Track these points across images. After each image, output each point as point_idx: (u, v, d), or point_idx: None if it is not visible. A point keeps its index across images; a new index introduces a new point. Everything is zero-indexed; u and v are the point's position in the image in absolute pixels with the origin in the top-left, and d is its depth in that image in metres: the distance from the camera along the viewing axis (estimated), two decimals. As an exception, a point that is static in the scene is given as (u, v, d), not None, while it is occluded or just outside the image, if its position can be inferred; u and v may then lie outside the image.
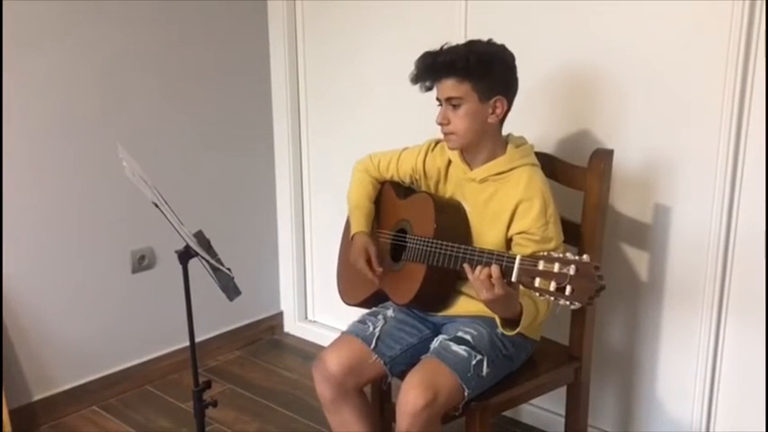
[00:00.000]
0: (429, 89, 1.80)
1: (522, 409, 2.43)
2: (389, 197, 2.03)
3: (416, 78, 1.78)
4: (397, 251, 1.91)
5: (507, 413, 2.38)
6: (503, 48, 1.77)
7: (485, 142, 1.80)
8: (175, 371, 2.78)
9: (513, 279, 1.54)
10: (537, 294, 1.51)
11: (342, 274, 2.14)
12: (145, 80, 2.59)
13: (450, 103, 1.75)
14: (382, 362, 1.83)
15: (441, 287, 1.85)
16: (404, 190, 2.01)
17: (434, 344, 1.80)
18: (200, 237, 1.76)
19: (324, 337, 2.84)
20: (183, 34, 2.67)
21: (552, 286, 1.46)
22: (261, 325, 3.13)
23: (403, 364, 1.84)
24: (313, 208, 3.04)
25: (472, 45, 1.76)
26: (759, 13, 1.79)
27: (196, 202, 2.74)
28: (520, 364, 1.87)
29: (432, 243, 1.75)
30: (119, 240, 2.60)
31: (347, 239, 2.10)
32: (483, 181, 1.81)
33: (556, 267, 1.45)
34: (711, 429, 2.08)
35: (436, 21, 2.39)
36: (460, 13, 2.32)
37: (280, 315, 3.20)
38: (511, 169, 1.79)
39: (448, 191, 1.91)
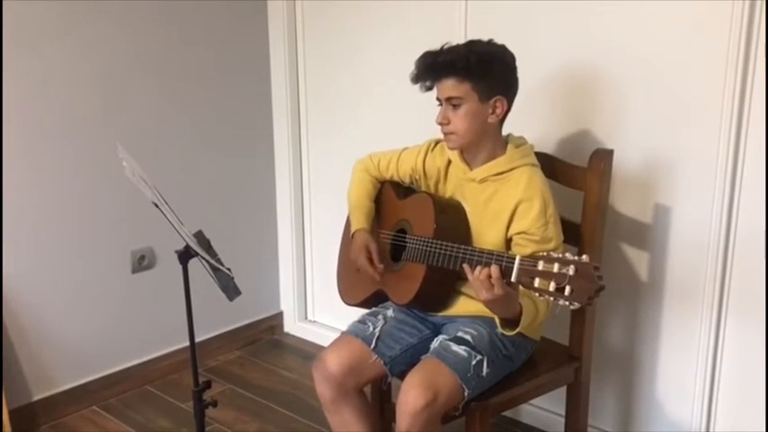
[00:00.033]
0: (429, 89, 1.80)
1: (522, 409, 2.43)
2: (389, 197, 2.03)
3: (417, 78, 1.78)
4: (396, 251, 1.91)
5: (507, 413, 2.38)
6: (503, 48, 1.77)
7: (485, 142, 1.80)
8: (175, 371, 2.78)
9: (513, 279, 1.54)
10: (536, 294, 1.51)
11: (342, 274, 2.14)
12: (145, 80, 2.59)
13: (450, 102, 1.75)
14: (382, 362, 1.83)
15: (440, 287, 1.85)
16: (404, 190, 2.01)
17: (434, 344, 1.80)
18: (200, 237, 1.76)
19: (324, 337, 2.84)
20: (183, 34, 2.67)
21: (552, 286, 1.46)
22: (261, 325, 3.13)
23: (403, 364, 1.84)
24: (313, 208, 3.04)
25: (472, 45, 1.76)
26: (759, 13, 1.79)
27: (196, 202, 2.74)
28: (520, 364, 1.87)
29: (431, 243, 1.75)
30: (119, 240, 2.60)
31: (347, 239, 2.10)
32: (483, 181, 1.81)
33: (555, 267, 1.45)
34: (711, 429, 2.08)
35: (436, 21, 2.39)
36: (460, 13, 2.32)
37: (280, 315, 3.20)
38: (511, 169, 1.79)
39: (448, 191, 1.91)
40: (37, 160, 2.37)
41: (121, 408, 2.60)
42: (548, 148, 2.12)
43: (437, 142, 1.94)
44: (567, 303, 1.45)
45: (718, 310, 1.99)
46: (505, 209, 1.77)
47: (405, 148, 2.01)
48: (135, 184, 1.67)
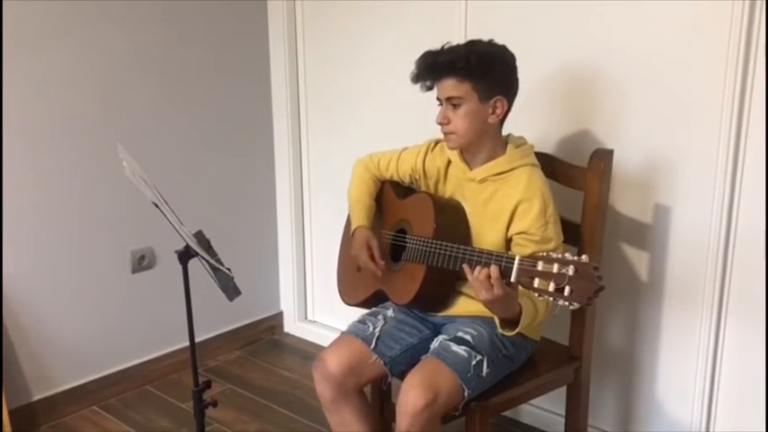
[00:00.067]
0: (429, 89, 1.80)
1: (522, 410, 2.43)
2: (389, 197, 2.03)
3: (417, 78, 1.79)
4: (396, 251, 1.90)
5: (507, 413, 2.38)
6: (503, 48, 1.77)
7: (485, 142, 1.80)
8: (175, 371, 2.78)
9: (513, 279, 1.54)
10: (536, 295, 1.51)
11: (342, 274, 2.14)
12: (145, 80, 2.59)
13: (450, 102, 1.75)
14: (382, 362, 1.83)
15: (440, 287, 1.85)
16: (403, 190, 2.01)
17: (434, 344, 1.80)
18: (199, 237, 1.76)
19: (324, 337, 2.84)
20: (183, 34, 2.67)
21: (551, 287, 1.46)
22: (261, 325, 3.13)
23: (403, 364, 1.84)
24: (313, 208, 3.04)
25: (473, 45, 1.76)
26: (759, 13, 1.79)
27: (196, 202, 2.74)
28: (520, 364, 1.87)
29: (431, 243, 1.75)
30: (119, 240, 2.60)
31: (347, 238, 2.10)
32: (483, 181, 1.81)
33: (555, 268, 1.45)
34: (711, 429, 2.08)
35: (436, 21, 2.39)
36: (460, 13, 2.32)
37: (279, 315, 3.20)
38: (511, 169, 1.79)
39: (447, 191, 1.91)
40: (37, 160, 2.37)
41: (121, 408, 2.60)
42: (548, 148, 2.12)
43: (437, 142, 1.94)
44: (566, 304, 1.45)
45: (718, 310, 1.99)
46: (505, 209, 1.77)
47: (405, 148, 2.01)
48: (135, 184, 1.67)
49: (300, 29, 2.86)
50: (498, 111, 1.76)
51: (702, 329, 2.03)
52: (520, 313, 1.65)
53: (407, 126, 2.31)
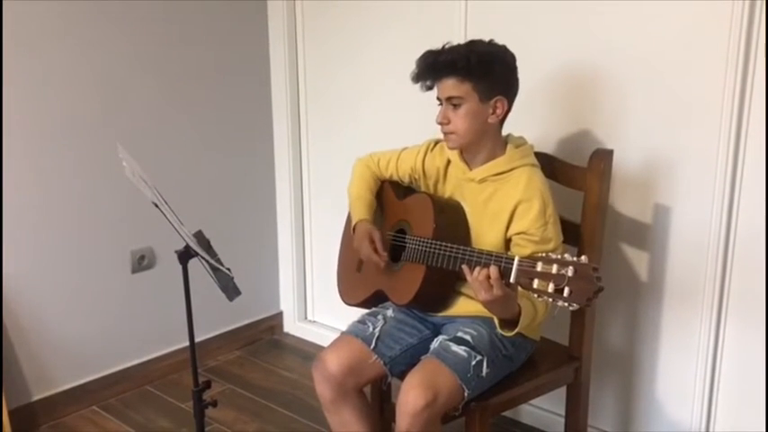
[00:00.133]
0: (430, 88, 1.80)
1: (522, 410, 2.43)
2: (388, 197, 2.03)
3: (417, 77, 1.79)
4: (396, 252, 1.90)
5: (507, 413, 2.38)
6: (504, 48, 1.77)
7: (484, 142, 1.80)
8: (175, 371, 2.78)
9: (512, 280, 1.54)
10: (535, 296, 1.51)
11: (342, 274, 2.14)
12: (145, 80, 2.59)
13: (450, 102, 1.75)
14: (382, 362, 1.83)
15: (440, 288, 1.85)
16: (403, 190, 2.01)
17: (434, 344, 1.80)
18: (199, 237, 1.76)
19: (323, 338, 2.84)
20: (183, 34, 2.67)
21: (551, 288, 1.46)
22: (260, 325, 3.13)
23: (403, 364, 1.84)
24: (313, 208, 3.04)
25: (473, 45, 1.76)
26: (759, 13, 1.79)
27: (196, 202, 2.74)
28: (520, 364, 1.87)
29: (431, 244, 1.75)
30: (119, 240, 2.60)
31: (347, 238, 2.10)
32: (482, 181, 1.81)
33: (554, 269, 1.45)
34: (711, 429, 2.08)
35: (436, 21, 2.39)
36: (460, 13, 2.32)
37: (279, 315, 3.20)
38: (510, 169, 1.79)
39: (447, 191, 1.91)
40: (37, 160, 2.37)
41: (121, 408, 2.60)
42: (548, 148, 2.12)
43: (437, 142, 1.94)
44: (565, 304, 1.45)
45: (718, 310, 1.99)
46: (505, 209, 1.77)
47: (405, 148, 2.01)
48: (135, 184, 1.67)
49: (300, 29, 2.86)
50: (498, 111, 1.76)
51: (702, 329, 2.02)
52: (519, 314, 1.65)
53: (407, 126, 2.31)
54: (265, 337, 3.15)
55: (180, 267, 1.70)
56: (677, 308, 2.08)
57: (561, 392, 2.03)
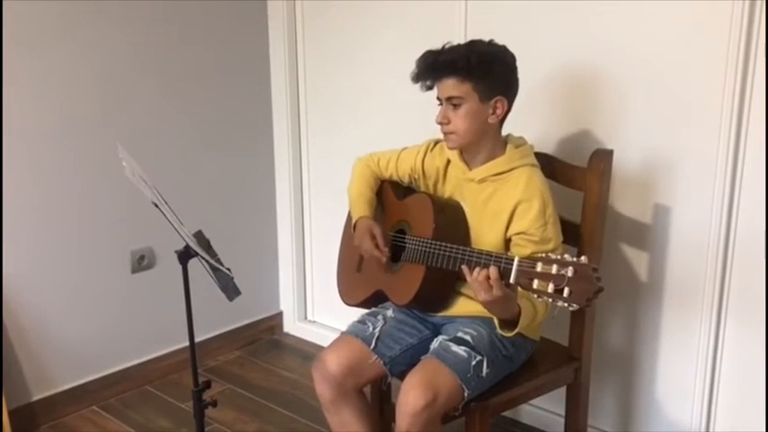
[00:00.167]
0: (430, 88, 1.80)
1: (522, 410, 2.43)
2: (388, 197, 2.03)
3: (417, 77, 1.79)
4: (396, 252, 1.90)
5: (507, 413, 2.38)
6: (504, 48, 1.77)
7: (484, 142, 1.80)
8: (175, 371, 2.78)
9: (512, 281, 1.54)
10: (535, 296, 1.51)
11: (342, 274, 2.14)
12: (145, 80, 2.59)
13: (450, 102, 1.75)
14: (382, 362, 1.83)
15: (440, 288, 1.85)
16: (403, 190, 2.01)
17: (434, 344, 1.80)
18: (199, 237, 1.76)
19: (323, 338, 2.84)
20: (183, 34, 2.67)
21: (550, 288, 1.45)
22: (260, 325, 3.13)
23: (403, 364, 1.84)
24: (313, 207, 3.04)
25: (473, 45, 1.76)
26: (759, 13, 1.79)
27: (196, 202, 2.74)
28: (520, 364, 1.87)
29: (430, 244, 1.75)
30: (118, 240, 2.60)
31: (347, 237, 2.10)
32: (482, 181, 1.81)
33: (554, 269, 1.45)
34: (711, 429, 2.08)
35: (436, 21, 2.39)
36: (460, 13, 2.32)
37: (279, 315, 3.20)
38: (510, 170, 1.79)
39: (447, 191, 1.91)
40: (37, 160, 2.37)
41: (121, 408, 2.60)
42: (548, 148, 2.12)
43: (436, 142, 1.94)
44: (565, 305, 1.45)
45: (718, 310, 1.99)
46: (504, 209, 1.77)
47: (404, 148, 2.01)
48: (135, 184, 1.67)
49: (300, 29, 2.86)
50: (498, 111, 1.76)
51: (702, 329, 2.02)
52: (519, 314, 1.65)
53: (407, 126, 2.31)
54: (265, 337, 3.15)
55: (180, 267, 1.70)
56: (677, 308, 2.08)
57: (561, 392, 2.03)
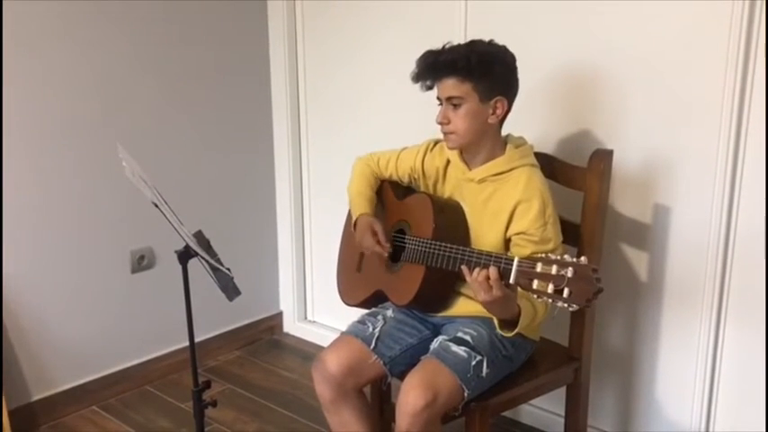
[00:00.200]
0: (430, 88, 1.80)
1: (522, 410, 2.43)
2: (388, 197, 2.03)
3: (417, 77, 1.78)
4: (395, 252, 1.90)
5: (507, 413, 2.38)
6: (504, 48, 1.77)
7: (484, 142, 1.80)
8: (175, 371, 2.78)
9: (511, 281, 1.54)
10: (535, 296, 1.51)
11: (342, 274, 2.14)
12: (145, 80, 2.59)
13: (450, 102, 1.75)
14: (382, 362, 1.83)
15: (440, 288, 1.85)
16: (402, 190, 2.01)
17: (434, 344, 1.80)
18: (199, 237, 1.76)
19: (323, 338, 2.84)
20: (183, 34, 2.67)
21: (550, 288, 1.45)
22: (260, 325, 3.13)
23: (402, 364, 1.84)
24: (313, 207, 3.04)
25: (473, 45, 1.76)
26: (759, 13, 1.79)
27: (196, 202, 2.74)
28: (519, 364, 1.87)
29: (430, 244, 1.75)
30: (118, 240, 2.60)
31: (347, 237, 2.10)
32: (482, 181, 1.81)
33: (554, 269, 1.45)
34: (711, 429, 2.08)
35: (436, 21, 2.39)
36: (460, 13, 2.32)
37: (279, 315, 3.20)
38: (510, 170, 1.79)
39: (446, 191, 1.91)
40: (37, 160, 2.37)
41: (121, 408, 2.60)
42: (548, 148, 2.12)
43: (436, 142, 1.94)
44: (565, 305, 1.45)
45: (718, 310, 1.99)
46: (504, 209, 1.77)
47: (404, 148, 2.01)
48: (135, 184, 1.67)
49: (300, 29, 2.86)
50: (498, 111, 1.76)
51: (702, 329, 2.02)
52: (519, 314, 1.65)
53: (407, 126, 2.31)
54: (265, 337, 3.15)
55: (180, 267, 1.70)
56: (677, 308, 2.08)
57: (561, 392, 2.02)
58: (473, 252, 1.64)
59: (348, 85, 2.76)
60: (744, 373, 1.99)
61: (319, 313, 3.15)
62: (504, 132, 1.85)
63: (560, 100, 2.19)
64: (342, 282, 2.13)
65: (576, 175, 1.93)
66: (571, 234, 1.89)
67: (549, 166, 1.94)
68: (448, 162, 1.89)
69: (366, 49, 2.66)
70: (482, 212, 1.81)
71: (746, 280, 1.93)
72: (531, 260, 1.52)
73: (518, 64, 1.78)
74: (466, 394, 1.70)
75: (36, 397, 2.47)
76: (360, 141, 2.59)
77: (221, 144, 2.86)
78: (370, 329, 1.87)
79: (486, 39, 1.78)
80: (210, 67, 2.77)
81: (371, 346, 1.84)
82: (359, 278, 2.03)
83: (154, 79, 2.61)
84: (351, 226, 1.99)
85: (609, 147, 1.98)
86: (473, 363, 1.72)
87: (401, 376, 1.77)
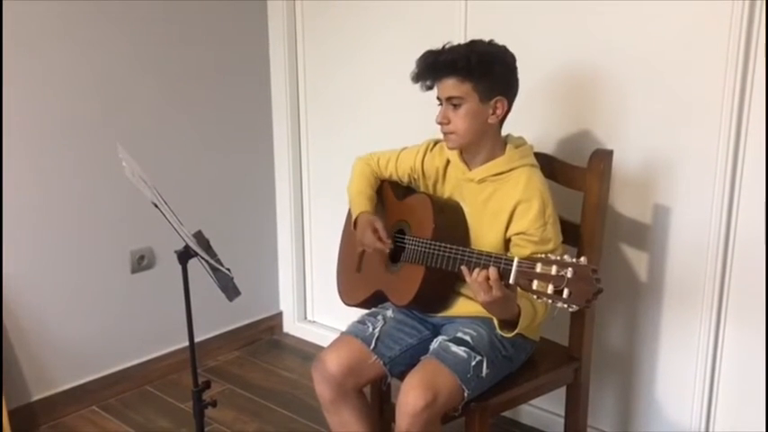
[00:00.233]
0: (430, 88, 1.79)
1: (522, 410, 2.43)
2: (388, 198, 2.03)
3: (417, 77, 1.78)
4: (395, 252, 1.90)
5: (507, 414, 2.39)
6: (504, 48, 1.77)
7: (484, 142, 1.80)
8: (175, 371, 2.78)
9: (511, 281, 1.54)
10: (534, 297, 1.51)
11: (341, 274, 2.14)
12: (145, 80, 2.59)
13: (450, 102, 1.75)
14: (382, 362, 1.83)
15: (439, 288, 1.85)
16: (402, 190, 2.01)
17: (434, 345, 1.80)
18: (199, 237, 1.76)
19: (323, 338, 2.84)
20: (183, 34, 2.67)
21: (550, 289, 1.45)
22: (260, 325, 3.13)
23: (402, 364, 1.83)
24: (313, 208, 3.04)
25: (473, 45, 1.76)
26: (759, 13, 1.79)
27: (196, 202, 2.74)
28: (519, 364, 1.87)
29: (430, 244, 1.75)
30: (118, 240, 2.60)
31: (347, 237, 2.10)
32: (482, 181, 1.81)
33: (553, 270, 1.45)
34: (711, 429, 2.08)
35: (436, 21, 2.39)
36: (460, 13, 2.31)
37: (279, 315, 3.20)
38: (510, 170, 1.79)
39: (446, 191, 1.91)
40: (37, 160, 2.37)
41: (121, 408, 2.60)
42: (548, 148, 2.12)
43: (436, 142, 1.94)
44: (564, 306, 1.45)
45: (718, 310, 1.99)
46: (504, 209, 1.77)
47: (404, 148, 2.01)
48: (135, 184, 1.67)
49: (300, 29, 2.86)
50: (498, 111, 1.76)
51: (702, 329, 2.02)
52: (519, 315, 1.65)
53: (407, 126, 2.31)
54: (265, 337, 3.15)
55: (180, 267, 1.70)
56: (677, 308, 2.08)
57: (561, 393, 2.02)
58: (473, 252, 1.64)
59: (348, 85, 2.76)
60: (744, 373, 1.99)
61: (319, 313, 3.15)
62: (504, 132, 1.85)
63: (560, 100, 2.19)
64: (341, 282, 2.13)
65: (576, 175, 1.93)
66: (571, 234, 1.89)
67: (549, 166, 1.94)
68: (448, 162, 1.89)
69: (366, 49, 2.66)
70: (482, 213, 1.81)
71: (746, 280, 1.93)
72: (530, 260, 1.52)
73: (518, 64, 1.78)
74: (466, 394, 1.70)
75: (36, 397, 2.47)
76: (360, 141, 2.59)
77: (221, 144, 2.86)
78: (370, 329, 1.87)
79: (486, 39, 1.78)
80: (210, 67, 2.77)
81: (371, 347, 1.84)
82: (359, 278, 2.03)
83: (154, 79, 2.61)
84: (351, 225, 1.99)
85: (609, 147, 1.98)
86: (473, 363, 1.71)
87: (401, 376, 1.77)
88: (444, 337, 1.79)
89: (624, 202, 2.11)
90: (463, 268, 1.62)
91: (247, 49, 2.89)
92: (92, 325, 2.58)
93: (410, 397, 1.66)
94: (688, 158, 1.98)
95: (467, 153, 1.85)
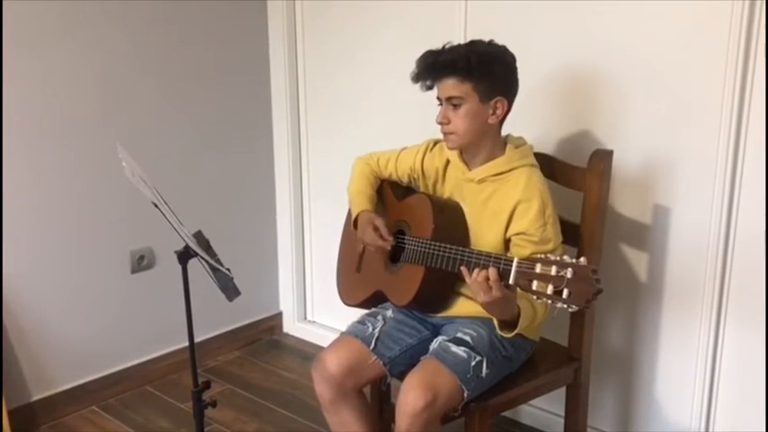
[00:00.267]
0: (430, 88, 1.79)
1: (522, 410, 2.43)
2: (388, 198, 2.03)
3: (417, 77, 1.78)
4: (395, 252, 1.90)
5: (507, 414, 2.39)
6: (504, 49, 1.77)
7: (484, 143, 1.80)
8: (175, 371, 2.78)
9: (511, 282, 1.54)
10: (534, 297, 1.50)
11: (341, 274, 2.14)
12: (145, 80, 2.59)
13: (450, 102, 1.75)
14: (381, 362, 1.83)
15: (439, 289, 1.84)
16: (402, 191, 2.01)
17: (434, 345, 1.80)
18: (199, 237, 1.76)
19: (323, 338, 2.84)
20: (183, 34, 2.67)
21: (550, 289, 1.45)
22: (260, 325, 3.13)
23: (402, 364, 1.83)
24: (312, 208, 3.04)
25: (474, 45, 1.76)
26: (759, 13, 1.79)
27: (196, 202, 2.74)
28: (519, 364, 1.87)
29: (430, 245, 1.74)
30: (118, 240, 2.60)
31: (347, 237, 2.10)
32: (481, 181, 1.81)
33: (553, 270, 1.45)
34: (711, 429, 2.08)
35: (436, 21, 2.39)
36: (460, 13, 2.31)
37: (279, 315, 3.20)
38: (510, 170, 1.79)
39: (446, 191, 1.91)
40: (37, 160, 2.37)
41: (121, 408, 2.60)
42: (548, 148, 2.12)
43: (436, 142, 1.94)
44: (564, 306, 1.45)
45: (718, 310, 1.99)
46: (504, 209, 1.77)
47: (404, 148, 2.00)
48: (134, 184, 1.67)
49: (300, 29, 2.86)
50: (498, 111, 1.76)
51: (702, 330, 2.02)
52: (518, 315, 1.65)
53: (407, 126, 2.31)
54: (265, 337, 3.15)
55: (179, 267, 1.70)
56: (677, 308, 2.08)
57: (561, 393, 2.02)
58: (472, 253, 1.64)
59: (348, 85, 2.76)
60: (744, 373, 1.99)
61: (319, 313, 3.15)
62: (504, 132, 1.85)
63: (560, 100, 2.19)
64: (341, 282, 2.13)
65: (576, 175, 1.93)
66: (571, 234, 1.89)
67: (549, 166, 1.94)
68: (447, 162, 1.89)
69: (366, 49, 2.66)
70: (482, 213, 1.81)
71: (746, 280, 1.93)
72: (530, 261, 1.52)
73: (518, 64, 1.78)
74: (465, 395, 1.70)
75: (36, 397, 2.47)
76: (360, 141, 2.59)
77: (221, 144, 2.86)
78: (370, 330, 1.87)
79: (486, 39, 1.78)
80: (210, 67, 2.77)
81: (371, 347, 1.84)
82: (358, 278, 2.03)
83: (154, 79, 2.61)
84: (351, 225, 1.99)
85: (609, 147, 1.98)
86: (473, 363, 1.71)
87: (401, 376, 1.77)
88: (444, 338, 1.79)
89: (624, 202, 2.11)
90: (463, 269, 1.62)
91: (247, 49, 2.89)
92: (92, 325, 2.58)
93: (410, 397, 1.66)
94: (688, 158, 1.98)
95: (467, 153, 1.85)
